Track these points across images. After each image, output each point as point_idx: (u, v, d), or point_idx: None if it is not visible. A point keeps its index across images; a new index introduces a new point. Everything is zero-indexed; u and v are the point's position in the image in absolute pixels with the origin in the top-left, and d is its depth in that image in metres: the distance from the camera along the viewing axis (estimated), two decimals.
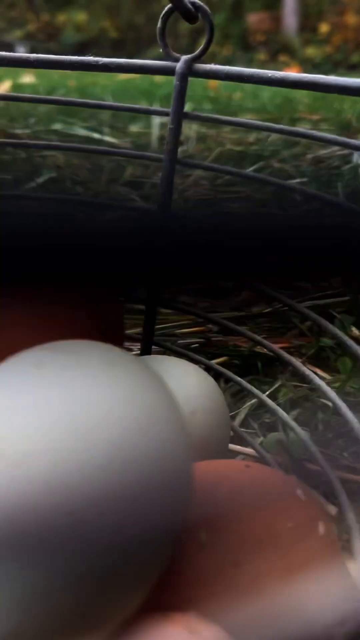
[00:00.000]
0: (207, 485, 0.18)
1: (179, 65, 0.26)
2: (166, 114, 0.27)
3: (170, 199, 0.28)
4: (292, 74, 0.24)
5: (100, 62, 0.26)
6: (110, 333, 0.21)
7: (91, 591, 0.13)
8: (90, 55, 0.27)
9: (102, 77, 1.50)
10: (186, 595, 0.17)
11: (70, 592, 0.13)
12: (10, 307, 0.20)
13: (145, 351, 0.30)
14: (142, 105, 1.20)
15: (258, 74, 0.24)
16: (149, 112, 0.28)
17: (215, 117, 0.27)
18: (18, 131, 0.98)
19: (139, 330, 0.30)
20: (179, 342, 0.40)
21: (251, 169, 0.79)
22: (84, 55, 0.27)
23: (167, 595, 0.17)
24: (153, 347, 0.30)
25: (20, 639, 0.13)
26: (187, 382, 0.24)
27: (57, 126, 1.02)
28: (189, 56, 0.26)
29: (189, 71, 0.26)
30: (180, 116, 0.27)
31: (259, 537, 0.17)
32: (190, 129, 1.00)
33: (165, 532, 0.14)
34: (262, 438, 0.32)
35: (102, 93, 1.32)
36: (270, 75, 0.24)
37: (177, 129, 0.27)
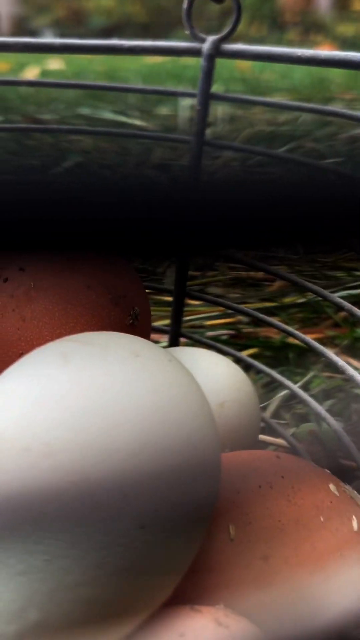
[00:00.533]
0: (236, 477, 0.18)
1: (205, 46, 0.25)
2: (193, 96, 0.27)
3: (198, 180, 0.27)
4: (323, 52, 0.23)
5: (125, 45, 0.26)
6: (137, 325, 0.21)
7: (119, 582, 0.13)
8: (115, 39, 0.26)
9: (130, 62, 1.49)
10: (214, 589, 0.16)
11: (99, 584, 0.13)
12: (37, 299, 0.20)
13: (173, 343, 0.29)
14: (171, 88, 1.19)
15: (287, 53, 0.24)
16: (176, 94, 0.28)
17: (243, 97, 0.26)
18: (46, 116, 0.98)
19: (166, 322, 0.30)
20: (208, 334, 0.39)
21: (283, 149, 0.77)
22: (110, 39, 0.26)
23: (195, 589, 0.16)
24: (181, 339, 0.30)
25: (48, 629, 0.13)
26: (215, 374, 0.24)
27: (85, 111, 1.01)
28: (215, 37, 0.25)
29: (216, 52, 0.25)
30: (207, 97, 0.26)
31: (288, 531, 0.17)
32: (219, 110, 0.99)
33: (193, 521, 0.14)
34: (294, 429, 0.31)
35: (130, 77, 1.31)
36: (299, 54, 0.23)
37: (204, 110, 0.26)
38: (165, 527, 0.13)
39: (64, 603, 0.13)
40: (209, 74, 0.26)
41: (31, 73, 1.30)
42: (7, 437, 0.13)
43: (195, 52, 0.25)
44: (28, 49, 0.26)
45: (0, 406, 0.14)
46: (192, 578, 0.16)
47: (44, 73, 1.37)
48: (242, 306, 0.27)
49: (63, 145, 0.83)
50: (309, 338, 0.25)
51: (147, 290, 0.23)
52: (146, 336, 0.21)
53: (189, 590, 0.16)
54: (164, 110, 1.07)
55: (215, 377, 0.23)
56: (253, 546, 0.17)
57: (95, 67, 1.53)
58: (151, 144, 0.82)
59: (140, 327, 0.21)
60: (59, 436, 0.13)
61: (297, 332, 0.25)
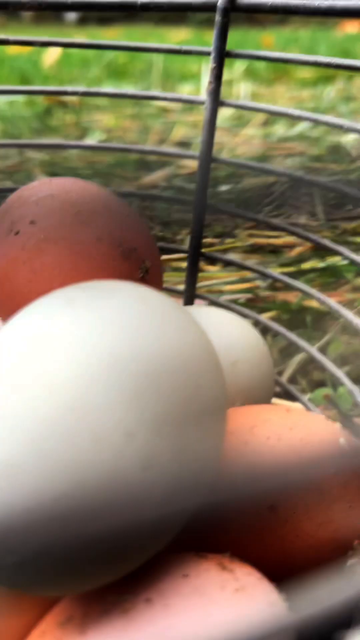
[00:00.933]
0: (245, 428, 0.17)
1: (220, 0, 0.25)
2: (208, 53, 0.26)
3: (212, 143, 0.27)
4: (341, 1, 0.22)
5: (138, 3, 0.25)
6: (147, 279, 0.21)
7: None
8: None
9: (153, 39, 1.48)
10: (221, 538, 0.16)
11: (101, 521, 0.13)
12: (47, 251, 0.20)
13: (188, 304, 0.29)
14: (192, 66, 1.18)
15: (304, 5, 0.23)
16: (190, 52, 0.27)
17: (260, 54, 0.26)
18: (68, 96, 0.98)
19: (181, 288, 0.30)
20: (224, 297, 0.39)
21: (304, 125, 0.76)
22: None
23: (202, 538, 0.16)
24: (197, 301, 0.30)
25: (49, 561, 0.13)
26: (228, 332, 0.23)
27: (107, 89, 1.01)
28: None
29: (231, 5, 0.25)
30: (222, 54, 0.26)
31: (297, 483, 0.17)
32: (242, 88, 0.98)
33: (199, 466, 0.14)
34: (310, 394, 0.31)
35: (152, 54, 1.30)
36: (317, 4, 0.23)
37: (219, 68, 0.26)
38: (170, 470, 0.13)
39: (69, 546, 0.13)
40: (224, 30, 0.25)
41: (53, 53, 1.30)
42: (11, 375, 0.13)
43: (211, 7, 0.25)
44: (42, 8, 0.26)
45: (4, 345, 0.14)
46: (199, 528, 0.16)
47: (66, 54, 1.37)
48: (260, 268, 0.27)
49: (85, 125, 0.83)
50: (328, 299, 0.24)
51: (161, 251, 0.23)
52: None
53: (197, 540, 0.16)
54: (186, 88, 1.06)
55: (228, 335, 0.23)
56: (260, 497, 0.17)
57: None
58: (172, 123, 0.81)
59: (150, 282, 0.21)
60: (60, 372, 0.13)
61: (316, 293, 0.25)
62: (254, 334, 0.24)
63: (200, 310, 0.24)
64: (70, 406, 0.12)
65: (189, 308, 0.25)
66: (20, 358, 0.13)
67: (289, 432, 0.17)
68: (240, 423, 0.18)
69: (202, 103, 0.27)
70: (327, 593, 0.10)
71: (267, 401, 0.24)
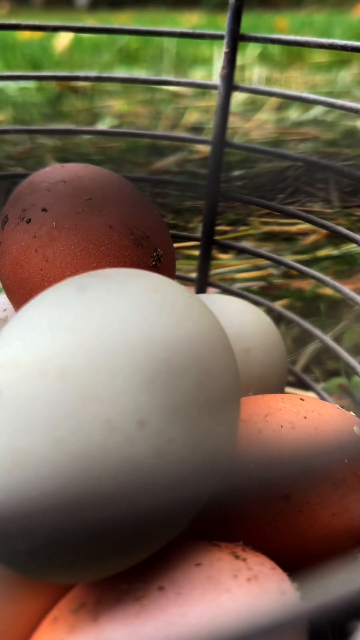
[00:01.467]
0: (258, 416, 0.17)
1: None
2: (221, 37, 0.26)
3: (225, 128, 0.26)
4: None
5: None
6: (159, 266, 0.21)
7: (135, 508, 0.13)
8: None
9: (165, 23, 1.46)
10: (235, 527, 0.16)
11: (117, 507, 0.13)
12: (59, 239, 0.20)
13: (200, 292, 0.29)
14: (205, 51, 1.16)
15: None
16: (202, 36, 0.27)
17: (275, 38, 0.25)
18: (80, 81, 0.97)
19: (194, 276, 0.29)
20: (238, 285, 0.38)
21: (319, 110, 0.75)
22: None
23: (216, 527, 0.16)
24: (210, 289, 0.29)
25: (62, 548, 0.13)
26: (241, 320, 0.23)
27: (118, 74, 1.00)
28: None
29: None
30: (235, 37, 0.25)
31: (310, 471, 0.17)
32: (255, 72, 0.96)
33: (210, 456, 0.14)
34: (323, 383, 0.31)
35: (164, 39, 1.29)
36: None
37: (232, 52, 0.25)
38: (182, 457, 0.13)
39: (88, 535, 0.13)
40: (237, 12, 0.25)
41: (64, 39, 1.29)
42: (24, 363, 0.13)
43: None
44: None
45: (17, 334, 0.14)
46: (213, 517, 0.16)
47: (77, 39, 1.36)
48: (274, 255, 0.26)
49: (97, 111, 0.83)
50: (343, 286, 0.24)
51: (173, 238, 0.22)
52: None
53: (211, 529, 0.16)
54: (198, 73, 1.05)
55: (241, 323, 0.23)
56: (274, 486, 0.16)
57: None
58: (183, 108, 0.81)
59: (163, 270, 0.21)
60: (72, 360, 0.13)
61: (330, 280, 0.24)
62: (266, 322, 0.24)
63: (213, 298, 0.24)
64: (82, 394, 0.12)
65: (202, 296, 0.25)
66: (32, 346, 0.13)
67: (303, 420, 0.17)
68: (254, 411, 0.18)
69: (215, 88, 0.27)
70: (340, 582, 0.10)
71: (280, 389, 0.24)
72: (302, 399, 0.18)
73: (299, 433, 0.17)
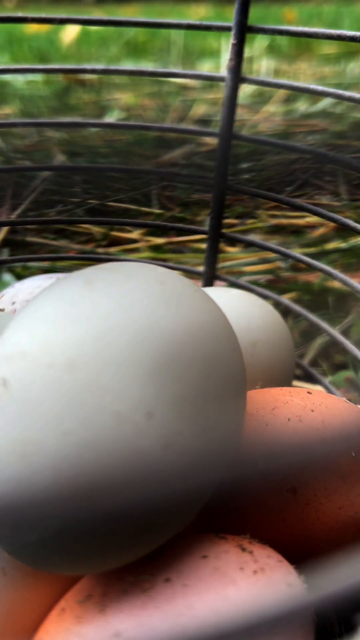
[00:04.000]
0: (265, 410, 0.17)
1: None
2: (228, 29, 0.25)
3: (233, 120, 0.26)
4: None
5: None
6: None
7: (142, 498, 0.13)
8: None
9: (172, 16, 1.45)
10: (243, 520, 0.16)
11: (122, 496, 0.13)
12: None
13: (208, 285, 0.29)
14: (212, 43, 1.16)
15: None
16: (210, 28, 0.26)
17: (284, 29, 0.25)
18: (87, 74, 0.97)
19: (201, 269, 0.29)
20: (245, 278, 0.38)
21: (327, 102, 0.74)
22: None
23: (223, 520, 0.16)
24: (217, 282, 0.29)
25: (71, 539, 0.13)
26: (248, 313, 0.23)
27: (125, 67, 1.00)
28: None
29: None
30: (243, 29, 0.25)
31: (318, 464, 0.17)
32: (264, 65, 0.96)
33: (217, 447, 0.14)
34: (331, 377, 0.31)
35: (171, 31, 1.28)
36: None
37: (240, 44, 0.25)
38: (190, 448, 0.13)
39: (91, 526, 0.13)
40: (245, 4, 0.25)
41: (71, 32, 1.29)
42: (32, 354, 0.13)
43: None
44: None
45: (25, 327, 0.14)
46: (220, 510, 0.16)
47: (84, 32, 1.35)
48: (282, 248, 0.26)
49: (104, 103, 0.82)
50: (351, 280, 0.24)
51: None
52: None
53: (218, 522, 0.16)
54: (205, 65, 1.04)
55: (248, 316, 0.23)
56: (281, 480, 0.16)
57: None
58: (191, 100, 0.80)
59: None
60: (80, 352, 0.13)
61: (338, 273, 0.24)
62: (274, 314, 0.24)
63: (221, 291, 0.24)
64: (90, 385, 0.12)
65: (210, 289, 0.25)
66: (40, 338, 0.13)
67: (310, 414, 0.17)
68: (261, 405, 0.18)
69: (222, 80, 0.26)
70: (346, 574, 0.10)
71: (288, 382, 0.24)
72: (309, 392, 0.18)
73: (306, 426, 0.17)
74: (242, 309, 0.23)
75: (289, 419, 0.17)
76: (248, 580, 0.13)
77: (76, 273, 0.15)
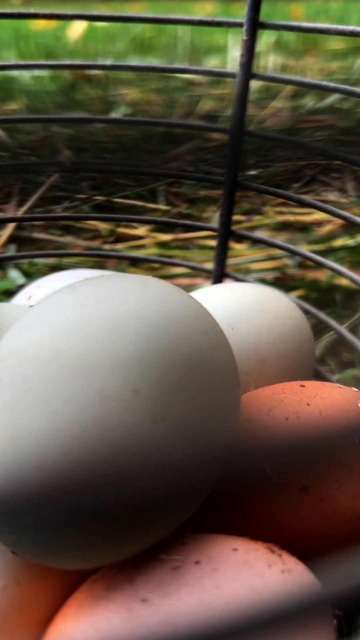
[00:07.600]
0: (262, 412, 0.17)
1: None
2: (240, 25, 0.25)
3: (243, 116, 0.26)
4: None
5: None
6: None
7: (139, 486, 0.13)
8: None
9: (178, 12, 1.45)
10: (263, 521, 0.16)
11: (119, 484, 0.13)
12: None
13: (217, 282, 0.29)
14: (219, 39, 1.15)
15: None
16: (221, 24, 0.26)
17: (294, 25, 0.25)
18: (93, 71, 0.97)
19: (209, 267, 0.29)
20: (252, 275, 0.38)
21: (335, 97, 0.74)
22: None
23: (244, 526, 0.16)
24: (226, 280, 0.29)
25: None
26: (273, 307, 0.23)
27: (132, 62, 1.00)
28: None
29: None
30: (255, 25, 0.25)
31: (325, 458, 0.16)
32: (270, 60, 0.95)
33: (210, 428, 0.14)
34: (338, 375, 0.31)
35: (178, 27, 1.28)
36: None
37: (252, 40, 0.25)
38: (181, 424, 0.13)
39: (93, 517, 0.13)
40: (257, 0, 0.25)
41: (78, 28, 1.29)
42: (20, 351, 0.14)
43: None
44: None
45: (17, 332, 0.14)
46: (234, 517, 0.16)
47: (91, 28, 1.35)
48: (289, 245, 0.26)
49: (111, 99, 0.82)
50: (359, 277, 0.24)
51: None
52: None
53: (236, 527, 0.16)
54: (212, 61, 1.04)
55: (274, 310, 0.23)
56: (290, 480, 0.16)
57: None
58: (198, 96, 0.80)
59: None
60: (66, 342, 0.13)
61: (346, 271, 0.24)
62: (296, 310, 0.24)
63: (243, 286, 0.24)
64: (76, 370, 0.13)
65: (233, 284, 0.25)
66: (29, 337, 0.14)
67: (306, 408, 0.17)
68: (257, 408, 0.17)
69: (233, 76, 0.26)
70: None
71: (308, 374, 0.24)
72: (302, 385, 0.18)
73: (305, 422, 0.17)
74: (266, 303, 0.23)
75: (287, 418, 0.17)
76: (275, 577, 0.13)
77: (64, 287, 0.16)
